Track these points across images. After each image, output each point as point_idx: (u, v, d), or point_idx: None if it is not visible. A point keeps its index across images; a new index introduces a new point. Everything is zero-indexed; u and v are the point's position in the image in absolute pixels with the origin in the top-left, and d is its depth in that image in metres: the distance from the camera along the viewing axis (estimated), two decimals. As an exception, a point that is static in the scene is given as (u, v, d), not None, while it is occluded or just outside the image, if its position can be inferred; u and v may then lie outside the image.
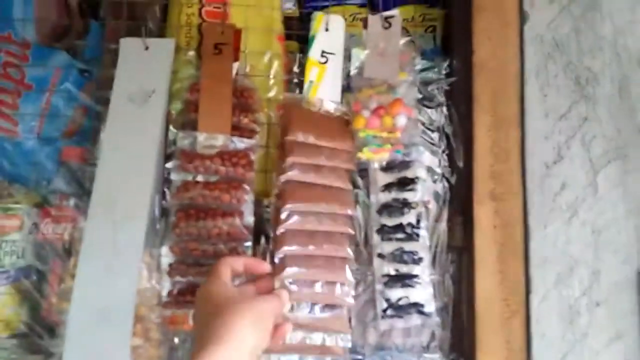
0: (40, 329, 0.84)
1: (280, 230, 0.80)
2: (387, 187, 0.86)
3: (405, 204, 0.85)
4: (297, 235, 0.81)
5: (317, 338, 0.80)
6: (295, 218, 0.81)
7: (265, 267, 0.74)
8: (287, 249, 0.80)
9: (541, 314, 0.79)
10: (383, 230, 0.85)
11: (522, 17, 0.87)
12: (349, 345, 0.81)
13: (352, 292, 0.82)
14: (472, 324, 0.82)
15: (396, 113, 0.84)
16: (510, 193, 0.84)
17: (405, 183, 0.86)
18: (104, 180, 0.82)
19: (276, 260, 0.79)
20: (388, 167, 0.87)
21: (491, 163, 0.85)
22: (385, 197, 0.86)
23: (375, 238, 0.85)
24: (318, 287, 0.79)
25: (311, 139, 0.85)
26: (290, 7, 1.06)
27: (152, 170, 0.82)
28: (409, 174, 0.86)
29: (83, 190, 0.89)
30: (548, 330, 0.79)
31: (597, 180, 0.82)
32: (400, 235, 0.84)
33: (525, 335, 0.79)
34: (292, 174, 0.83)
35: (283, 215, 0.81)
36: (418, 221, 0.84)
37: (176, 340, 0.82)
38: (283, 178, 0.83)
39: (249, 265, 0.72)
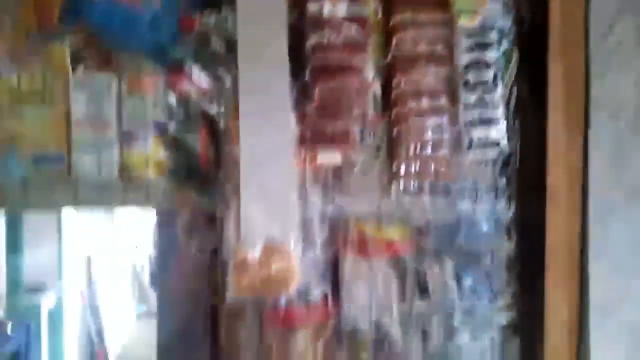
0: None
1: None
2: (468, 49, 1.00)
3: (486, 65, 1.00)
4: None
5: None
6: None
7: None
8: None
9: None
10: (467, 85, 1.01)
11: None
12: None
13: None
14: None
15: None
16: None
17: (485, 46, 1.01)
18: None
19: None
20: (468, 34, 1.01)
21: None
22: (468, 57, 1.01)
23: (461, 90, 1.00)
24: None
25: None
26: None
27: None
28: (486, 39, 1.01)
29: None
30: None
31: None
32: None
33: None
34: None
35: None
36: (495, 77, 1.00)
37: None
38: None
39: None
